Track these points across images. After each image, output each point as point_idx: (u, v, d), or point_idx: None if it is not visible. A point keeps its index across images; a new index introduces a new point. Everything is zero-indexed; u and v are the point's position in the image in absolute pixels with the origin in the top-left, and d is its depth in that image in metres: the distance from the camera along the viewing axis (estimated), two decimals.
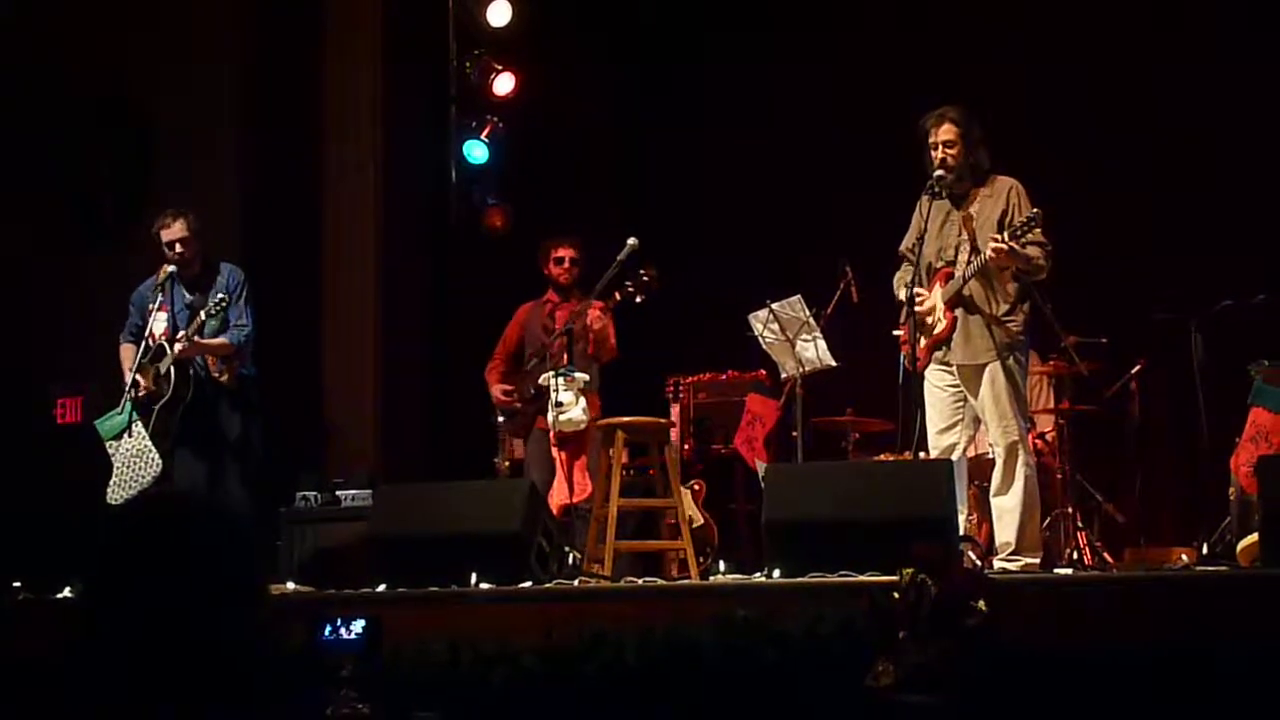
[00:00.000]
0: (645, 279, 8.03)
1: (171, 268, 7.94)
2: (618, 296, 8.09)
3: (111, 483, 7.59)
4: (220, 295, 7.79)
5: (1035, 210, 6.81)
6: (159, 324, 7.92)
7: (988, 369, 6.90)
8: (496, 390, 8.60)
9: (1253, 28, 9.76)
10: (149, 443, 7.67)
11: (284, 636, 4.70)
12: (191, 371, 7.80)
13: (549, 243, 8.68)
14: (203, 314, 7.72)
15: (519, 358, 8.66)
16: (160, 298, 7.95)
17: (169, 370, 7.75)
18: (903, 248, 7.30)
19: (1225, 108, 9.81)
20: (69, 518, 6.77)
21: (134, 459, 7.64)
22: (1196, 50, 9.91)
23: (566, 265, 8.58)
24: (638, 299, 8.08)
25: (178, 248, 7.94)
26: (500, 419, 8.67)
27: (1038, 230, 6.80)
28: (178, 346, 7.73)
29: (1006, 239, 6.71)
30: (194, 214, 8.00)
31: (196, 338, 7.76)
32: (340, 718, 4.15)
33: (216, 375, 7.86)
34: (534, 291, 8.81)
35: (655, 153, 11.80)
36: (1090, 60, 10.21)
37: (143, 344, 7.86)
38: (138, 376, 7.77)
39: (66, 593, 6.30)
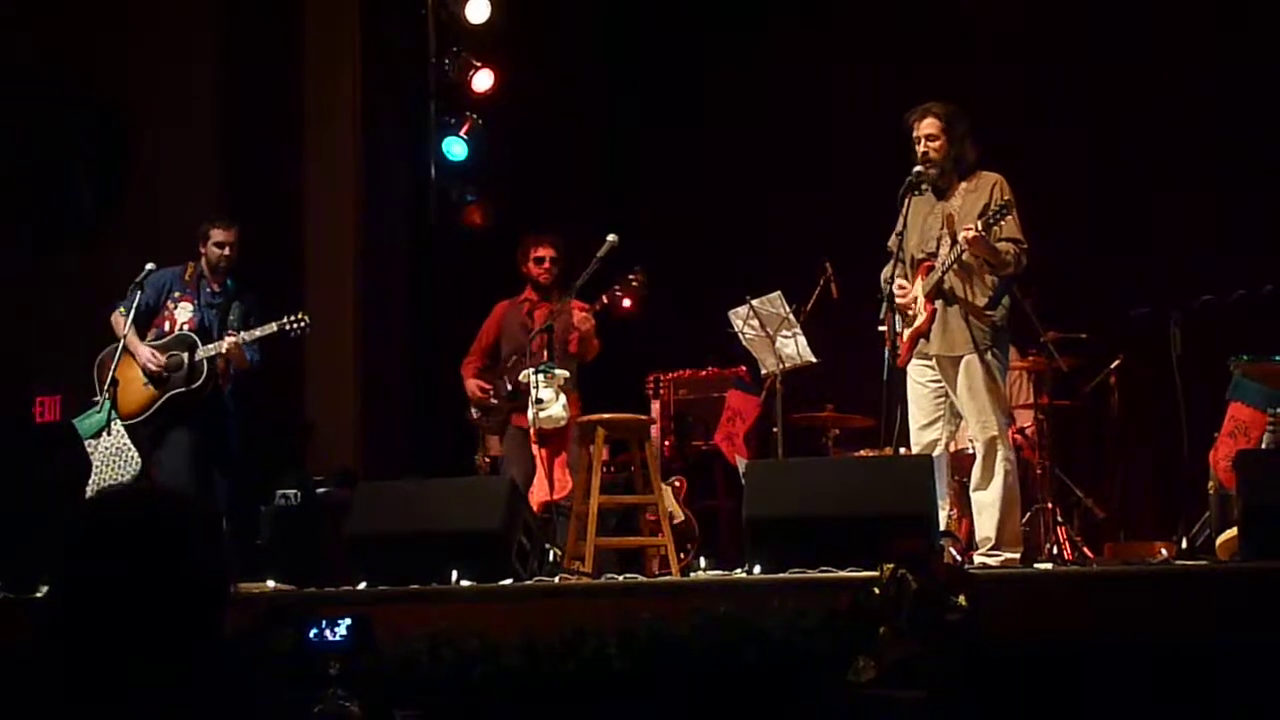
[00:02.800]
0: (634, 283, 8.01)
1: (200, 266, 8.09)
2: (605, 300, 8.07)
3: (91, 481, 7.58)
4: (296, 319, 7.95)
5: (1008, 198, 6.83)
6: (183, 313, 8.13)
7: (964, 361, 6.90)
8: (472, 385, 8.54)
9: (1231, 29, 9.81)
10: (128, 440, 7.69)
11: (270, 636, 4.71)
12: (214, 369, 7.95)
13: (528, 241, 8.62)
14: (275, 326, 7.97)
15: (495, 355, 8.63)
16: (187, 289, 8.15)
17: (200, 364, 7.91)
18: (891, 243, 7.31)
19: (1206, 106, 9.85)
20: (48, 517, 6.74)
21: (113, 457, 7.63)
22: (1178, 50, 9.96)
23: (546, 265, 8.51)
24: (625, 303, 8.07)
25: (227, 250, 8.19)
26: (475, 414, 8.64)
27: (1013, 224, 6.81)
28: (227, 343, 7.91)
29: (980, 226, 6.73)
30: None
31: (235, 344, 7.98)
32: (328, 716, 4.14)
33: (220, 380, 7.99)
34: (514, 288, 8.78)
35: (635, 149, 11.80)
36: (1073, 60, 10.24)
37: (155, 327, 8.04)
38: (153, 353, 7.84)
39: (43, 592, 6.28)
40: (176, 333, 8.06)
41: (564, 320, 8.21)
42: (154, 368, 7.89)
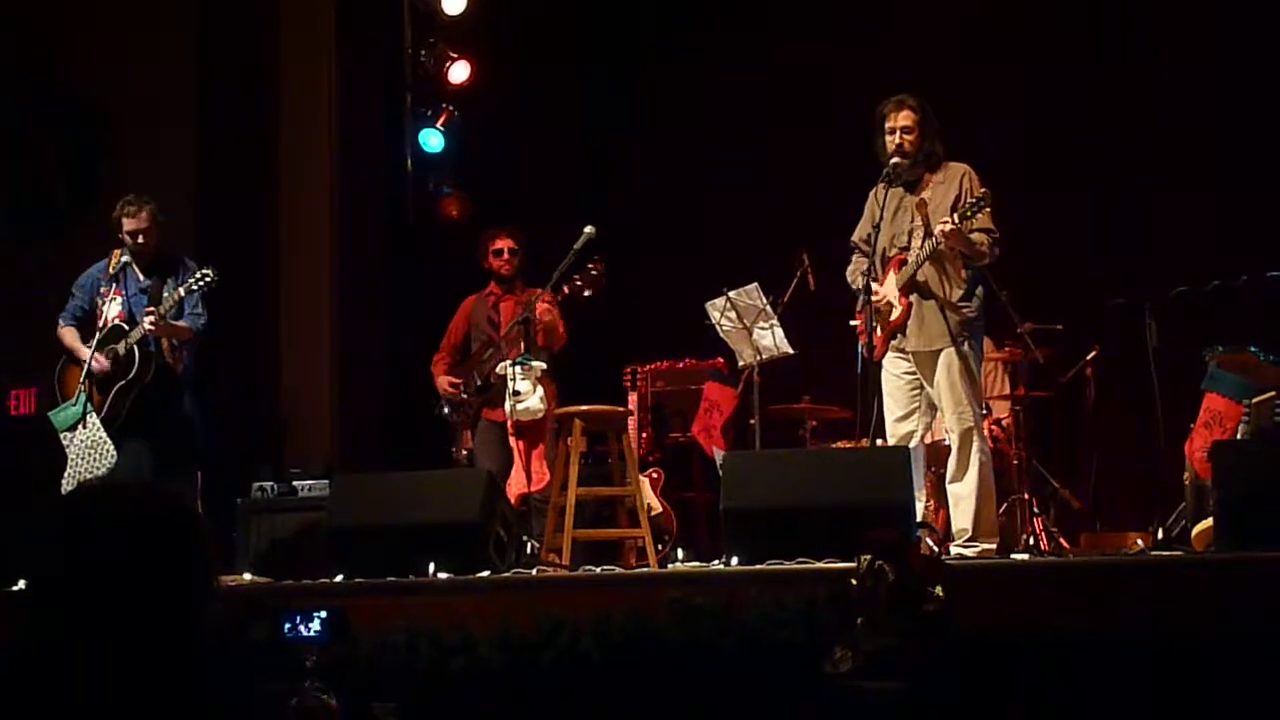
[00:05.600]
0: (594, 273, 8.03)
1: (125, 256, 7.90)
2: (566, 290, 8.08)
3: (66, 474, 7.55)
4: (197, 278, 7.71)
5: (984, 190, 6.85)
6: (113, 308, 7.85)
7: (942, 354, 6.92)
8: (443, 382, 8.58)
9: (1205, 28, 9.85)
10: (103, 433, 7.62)
11: (246, 629, 4.70)
12: (151, 352, 7.75)
13: (486, 235, 8.67)
14: (182, 290, 7.68)
15: (465, 350, 8.66)
16: (114, 283, 7.90)
17: (130, 350, 7.70)
18: (855, 238, 7.32)
19: (1184, 100, 9.87)
20: (23, 510, 6.72)
21: (89, 450, 7.59)
22: (1152, 46, 9.99)
23: (506, 256, 8.55)
24: (586, 293, 8.08)
25: (140, 238, 7.89)
26: (446, 410, 8.64)
27: (987, 215, 6.83)
28: (148, 321, 7.65)
29: (956, 219, 6.74)
30: (155, 203, 7.97)
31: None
32: (305, 709, 4.14)
33: (170, 361, 7.82)
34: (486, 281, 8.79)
35: (612, 140, 11.78)
36: (1045, 54, 10.26)
37: (97, 328, 7.81)
38: (97, 356, 7.72)
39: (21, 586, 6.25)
40: (108, 328, 7.81)
41: (532, 313, 8.24)
42: (97, 368, 7.74)
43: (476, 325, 8.61)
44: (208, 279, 7.67)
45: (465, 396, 8.45)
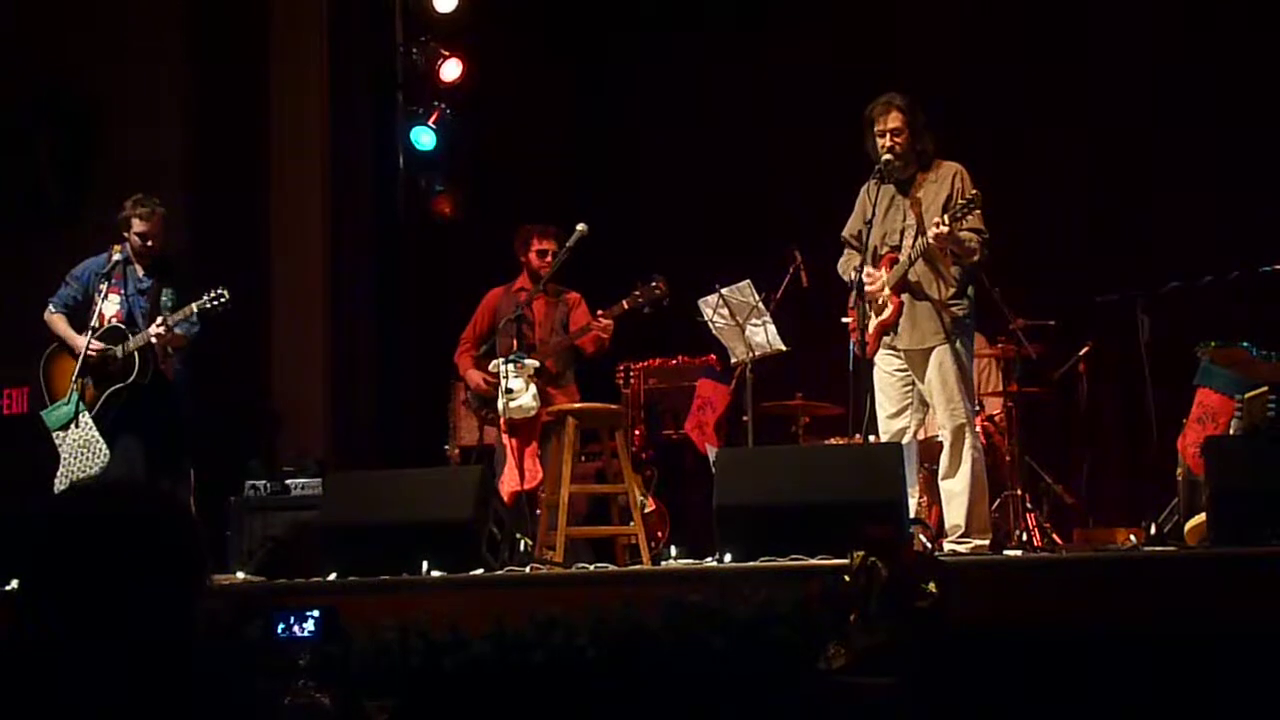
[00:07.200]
0: (657, 291, 7.97)
1: (121, 253, 7.90)
2: (625, 306, 8.01)
3: (59, 473, 7.55)
4: (212, 297, 7.71)
5: (974, 192, 6.84)
6: (111, 306, 7.86)
7: (934, 352, 6.92)
8: (475, 377, 8.35)
9: (1192, 27, 9.86)
10: (96, 433, 7.62)
11: (240, 628, 4.69)
12: (149, 357, 7.75)
13: (533, 232, 8.45)
14: (195, 306, 7.69)
15: (489, 342, 8.53)
16: (112, 280, 7.89)
17: (130, 356, 7.71)
18: (845, 233, 7.31)
19: (1174, 96, 9.88)
20: (16, 509, 6.70)
21: (81, 449, 7.58)
22: (1148, 44, 10.01)
23: (549, 258, 8.40)
24: (645, 310, 8.02)
25: (149, 241, 7.91)
26: (476, 405, 8.53)
27: (977, 216, 6.83)
28: (157, 330, 7.66)
29: (947, 221, 6.74)
30: (163, 205, 7.98)
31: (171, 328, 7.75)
32: (297, 707, 4.14)
33: (162, 366, 7.82)
34: (486, 277, 8.74)
35: (605, 136, 11.78)
36: (1048, 55, 10.27)
37: (92, 323, 7.80)
38: (91, 350, 7.71)
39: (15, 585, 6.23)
40: (105, 326, 7.81)
41: (560, 312, 8.22)
42: (92, 353, 7.74)
43: (503, 318, 8.45)
44: (223, 299, 7.68)
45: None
